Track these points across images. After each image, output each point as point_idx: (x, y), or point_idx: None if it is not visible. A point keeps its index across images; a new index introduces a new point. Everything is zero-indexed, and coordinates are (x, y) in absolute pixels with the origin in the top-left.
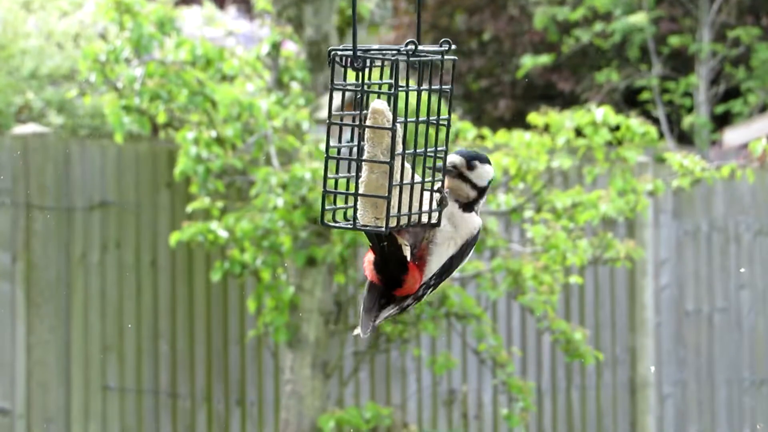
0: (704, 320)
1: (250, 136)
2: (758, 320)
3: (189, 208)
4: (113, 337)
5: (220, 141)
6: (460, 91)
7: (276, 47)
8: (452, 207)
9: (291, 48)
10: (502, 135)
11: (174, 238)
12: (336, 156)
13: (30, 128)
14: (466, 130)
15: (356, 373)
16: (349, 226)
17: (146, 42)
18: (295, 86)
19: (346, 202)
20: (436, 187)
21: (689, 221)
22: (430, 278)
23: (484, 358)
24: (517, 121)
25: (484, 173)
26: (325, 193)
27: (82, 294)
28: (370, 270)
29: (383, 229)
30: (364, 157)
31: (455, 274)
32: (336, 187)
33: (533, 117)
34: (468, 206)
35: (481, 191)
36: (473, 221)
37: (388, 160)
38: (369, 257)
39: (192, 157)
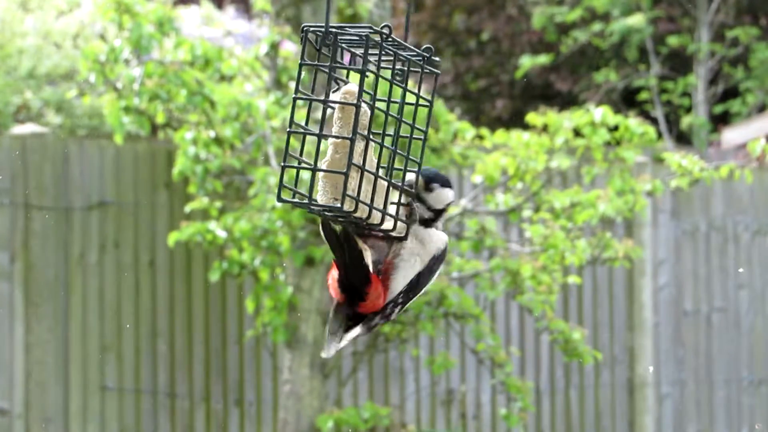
0: (703, 320)
1: (249, 136)
2: (757, 320)
3: (187, 208)
4: (112, 337)
5: (218, 141)
6: (458, 91)
7: (274, 47)
8: (416, 224)
9: (290, 48)
10: (500, 135)
11: (172, 238)
12: (299, 131)
13: (28, 128)
14: (464, 130)
15: (355, 373)
16: (305, 202)
17: (146, 42)
18: (293, 86)
19: (310, 190)
20: (405, 200)
21: (688, 221)
22: (398, 295)
23: (483, 357)
24: (515, 121)
25: (441, 197)
26: (285, 167)
27: (80, 294)
28: (334, 288)
29: (339, 206)
30: (327, 134)
31: (425, 288)
32: (298, 165)
33: (532, 117)
34: (427, 222)
35: (437, 213)
36: (439, 237)
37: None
38: (333, 274)
39: (190, 157)
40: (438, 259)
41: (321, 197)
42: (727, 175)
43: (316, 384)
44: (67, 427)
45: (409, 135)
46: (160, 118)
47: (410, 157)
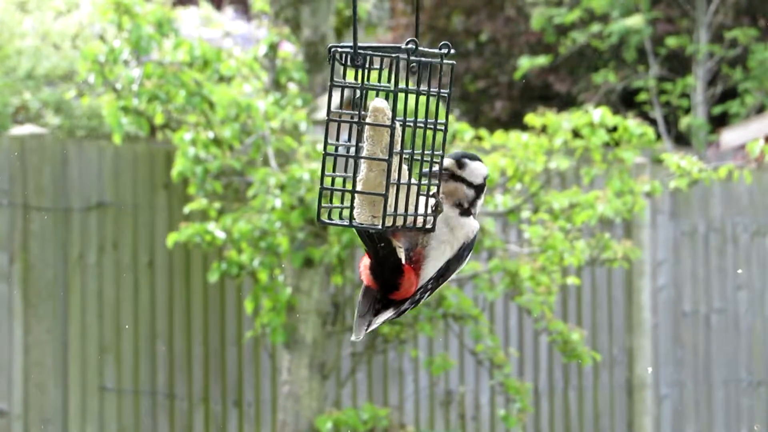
0: (701, 321)
1: (248, 137)
2: (755, 321)
3: (186, 209)
4: (110, 338)
5: (217, 142)
6: (457, 92)
7: (273, 48)
8: (449, 211)
9: (288, 49)
10: (499, 136)
11: (171, 239)
12: (334, 153)
13: (27, 129)
14: (463, 131)
15: (353, 374)
16: (345, 223)
17: (145, 43)
18: (292, 87)
19: (342, 202)
20: (431, 193)
21: (686, 222)
22: (427, 282)
23: (482, 359)
24: (514, 122)
25: (476, 170)
26: (322, 191)
27: (79, 295)
28: (366, 275)
29: (379, 227)
30: (362, 155)
31: (453, 276)
32: (333, 185)
33: (530, 118)
34: (466, 211)
35: (478, 189)
36: (470, 225)
37: (387, 157)
38: (365, 262)
39: (190, 157)
40: (467, 247)
41: (359, 215)
42: (725, 176)
43: (314, 385)
44: (66, 428)
45: (433, 128)
46: (159, 119)
47: (434, 152)
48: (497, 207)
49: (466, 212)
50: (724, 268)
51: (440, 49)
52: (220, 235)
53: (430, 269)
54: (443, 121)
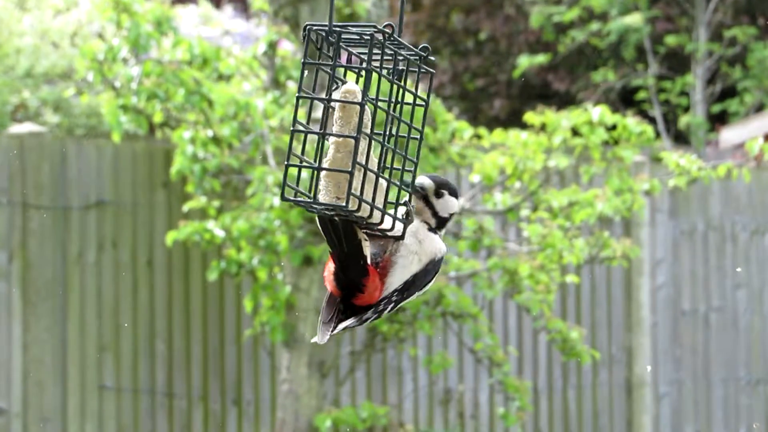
0: (700, 320)
1: (247, 136)
2: (754, 320)
3: (185, 208)
4: (109, 337)
5: (216, 140)
6: (456, 90)
7: (272, 46)
8: (419, 225)
9: (287, 47)
10: (498, 134)
11: (170, 237)
12: (301, 129)
13: (26, 127)
14: (462, 130)
15: (352, 372)
16: (308, 201)
17: (144, 41)
18: (291, 85)
19: (311, 182)
20: (403, 200)
21: (685, 220)
22: (392, 293)
23: (481, 357)
24: (513, 120)
25: (449, 205)
26: (288, 167)
27: (78, 293)
28: (330, 281)
29: (343, 204)
30: (331, 132)
31: (416, 293)
32: (301, 164)
33: (530, 116)
34: (433, 230)
35: (442, 222)
36: (438, 243)
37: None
38: (330, 267)
39: (188, 156)
40: (435, 264)
41: (323, 196)
42: (724, 174)
43: (314, 383)
44: (65, 427)
45: (406, 134)
46: (158, 118)
47: (408, 156)
48: (496, 205)
49: (432, 230)
50: (723, 266)
51: (420, 50)
52: (219, 233)
53: (396, 278)
54: (419, 127)
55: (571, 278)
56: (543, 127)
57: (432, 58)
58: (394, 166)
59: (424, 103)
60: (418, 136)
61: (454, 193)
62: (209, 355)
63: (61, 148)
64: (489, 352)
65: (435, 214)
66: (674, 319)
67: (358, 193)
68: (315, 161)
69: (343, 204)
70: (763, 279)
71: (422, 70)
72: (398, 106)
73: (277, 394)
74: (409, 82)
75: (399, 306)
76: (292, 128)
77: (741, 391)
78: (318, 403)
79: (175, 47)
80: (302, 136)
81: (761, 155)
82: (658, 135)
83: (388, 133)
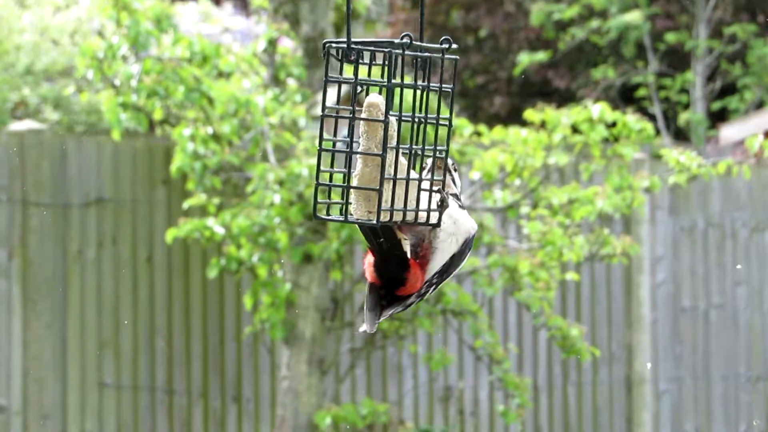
0: (700, 317)
1: (247, 133)
2: (754, 316)
3: (185, 205)
4: (109, 334)
5: (216, 137)
6: (456, 87)
7: (272, 44)
8: (451, 202)
9: (287, 45)
10: (498, 132)
11: (170, 234)
12: (329, 149)
13: (26, 125)
14: (462, 127)
15: (352, 369)
16: (341, 218)
17: (144, 39)
18: (291, 83)
19: (342, 199)
20: (436, 188)
21: (685, 218)
22: (433, 276)
23: (481, 354)
24: (513, 117)
25: (458, 178)
26: (318, 186)
27: (78, 290)
28: (370, 272)
29: (374, 222)
30: (357, 150)
31: (455, 272)
32: (330, 181)
33: (530, 114)
34: (461, 204)
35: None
36: (470, 219)
37: (381, 152)
38: (369, 259)
39: (189, 153)
40: (469, 243)
41: (355, 211)
42: (724, 171)
43: (314, 380)
44: (65, 424)
45: (435, 123)
46: (158, 115)
47: (438, 147)
48: (496, 203)
49: (461, 206)
50: (723, 263)
51: (441, 44)
52: (219, 230)
53: (437, 263)
54: (446, 116)
55: (571, 275)
56: (543, 125)
57: (454, 45)
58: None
59: (450, 90)
60: (447, 123)
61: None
62: (209, 352)
63: (61, 145)
64: (489, 350)
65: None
66: (674, 316)
67: (389, 205)
68: (347, 179)
69: (374, 221)
70: (763, 276)
71: (445, 60)
72: (423, 105)
73: (277, 392)
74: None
75: (439, 286)
76: (319, 148)
77: (741, 388)
78: (318, 400)
79: (175, 45)
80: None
81: (761, 152)
82: (658, 132)
83: (416, 147)
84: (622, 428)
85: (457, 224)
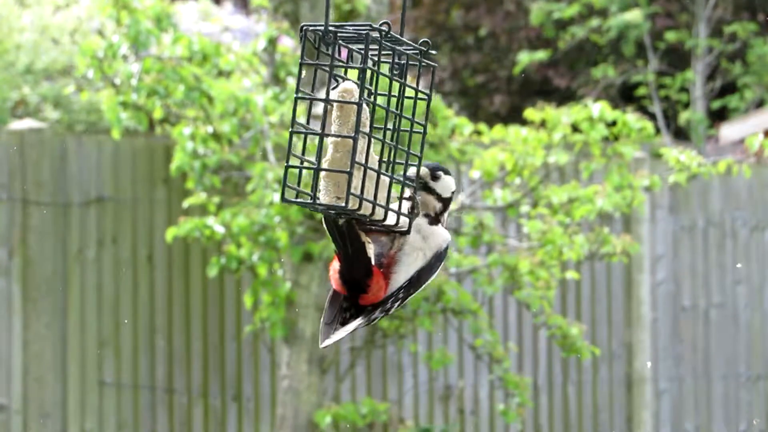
0: (701, 316)
1: (247, 132)
2: (754, 316)
3: (185, 204)
4: (110, 333)
5: (216, 136)
6: (456, 86)
7: (272, 42)
8: (420, 220)
9: (287, 44)
10: (498, 130)
11: (170, 233)
12: (301, 130)
13: (26, 123)
14: (462, 126)
15: (353, 368)
16: (308, 202)
17: (144, 38)
18: (291, 82)
19: (313, 189)
20: (407, 195)
21: (686, 217)
22: (398, 290)
23: (481, 353)
24: (513, 116)
25: (447, 184)
26: (288, 168)
27: (78, 289)
28: (335, 279)
29: (343, 204)
30: (329, 133)
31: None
32: (302, 165)
33: (530, 113)
34: (434, 220)
35: (446, 203)
36: (441, 234)
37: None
38: (335, 265)
39: (188, 152)
40: (439, 257)
41: (324, 196)
42: (725, 170)
43: (314, 379)
44: (65, 423)
45: (408, 129)
46: (157, 114)
47: (410, 151)
48: (496, 201)
49: (434, 221)
50: (723, 262)
51: (420, 44)
52: (219, 229)
53: (401, 276)
54: (421, 122)
55: (571, 274)
56: (543, 124)
57: (433, 52)
58: (397, 160)
59: (426, 98)
60: (421, 131)
61: (448, 173)
62: (209, 351)
63: (61, 144)
64: (489, 349)
65: (439, 197)
66: (674, 315)
67: (358, 192)
68: (316, 159)
69: (343, 204)
70: (763, 275)
71: (423, 65)
72: (399, 102)
73: (277, 391)
74: (410, 77)
75: (406, 302)
76: (290, 129)
77: (741, 388)
78: (318, 399)
79: (175, 44)
80: (303, 135)
81: (761, 151)
82: (658, 131)
83: (388, 128)
84: (622, 427)
85: (426, 240)
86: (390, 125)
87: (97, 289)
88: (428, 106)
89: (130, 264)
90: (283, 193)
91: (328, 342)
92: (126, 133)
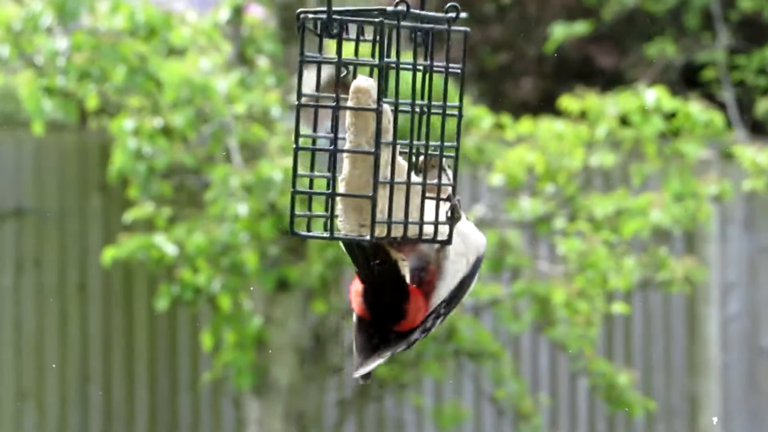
0: None
1: (205, 126)
2: None
3: (127, 218)
4: (31, 380)
5: (166, 132)
6: (472, 68)
7: (238, 12)
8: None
9: (258, 13)
10: (526, 124)
11: (108, 255)
12: (308, 146)
13: None
14: (480, 118)
15: (340, 426)
16: (325, 235)
17: (73, 6)
18: (262, 62)
19: (326, 210)
20: (444, 195)
21: (765, 235)
22: (440, 305)
23: (503, 407)
24: (545, 106)
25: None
26: (295, 194)
27: None
28: (357, 303)
29: (368, 238)
30: (344, 148)
31: (466, 300)
32: (311, 188)
33: (566, 101)
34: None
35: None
36: (476, 230)
37: (373, 149)
38: (356, 287)
39: (131, 152)
40: (479, 263)
41: (343, 224)
42: None
43: None
44: None
45: (441, 113)
46: (91, 103)
47: (445, 143)
48: (523, 215)
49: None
50: None
51: (446, 12)
52: (171, 250)
53: (444, 289)
54: (455, 104)
55: (618, 308)
56: (583, 115)
57: (463, 14)
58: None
59: (459, 71)
60: (455, 113)
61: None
62: (157, 404)
63: None
64: (514, 401)
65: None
66: (750, 358)
67: (385, 216)
68: (328, 173)
69: (368, 237)
70: None
71: (452, 33)
72: (426, 91)
73: None
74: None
75: (446, 318)
76: (294, 146)
77: None
78: None
79: (113, 13)
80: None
81: None
82: (729, 125)
83: (414, 143)
84: None
85: (466, 241)
86: (414, 120)
87: (15, 326)
88: (462, 80)
89: (57, 294)
90: (292, 226)
91: (363, 370)
92: (51, 128)
